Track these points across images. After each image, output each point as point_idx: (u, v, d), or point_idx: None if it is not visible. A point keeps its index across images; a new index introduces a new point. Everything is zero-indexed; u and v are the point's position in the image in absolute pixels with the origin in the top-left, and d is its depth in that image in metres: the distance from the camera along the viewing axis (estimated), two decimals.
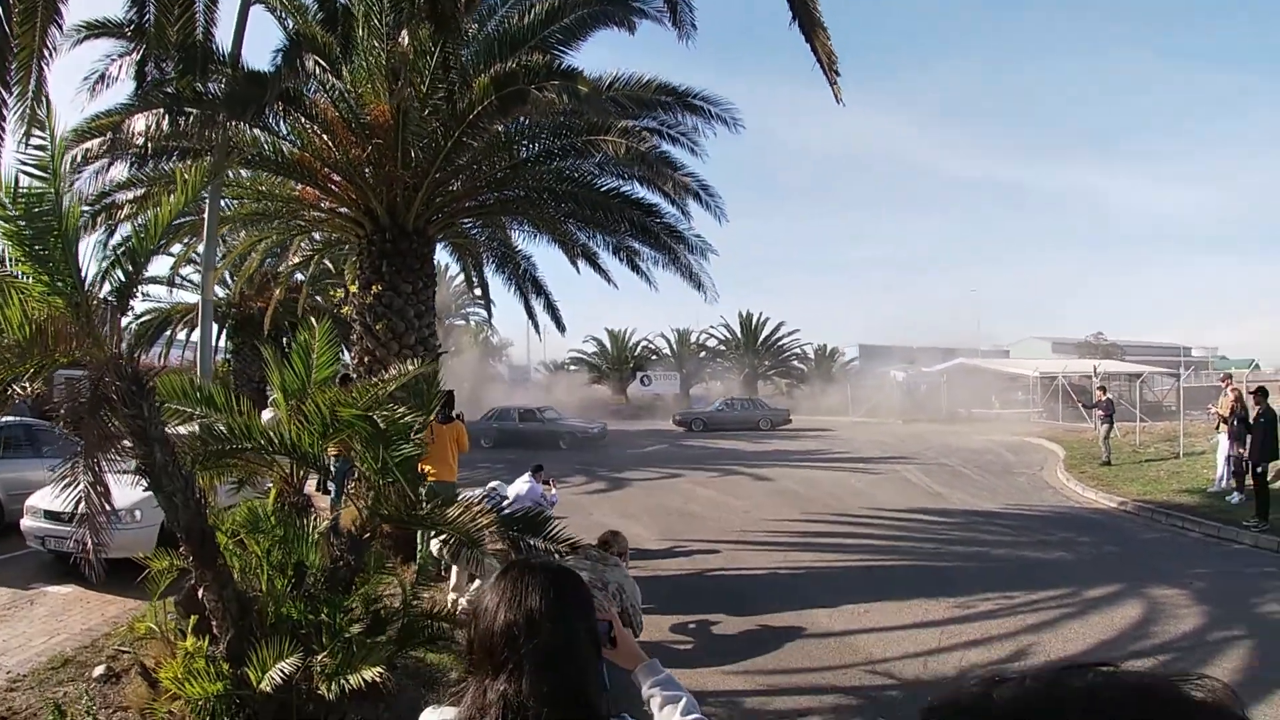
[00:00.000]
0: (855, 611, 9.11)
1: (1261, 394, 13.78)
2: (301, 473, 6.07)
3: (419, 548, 9.36)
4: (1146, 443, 22.69)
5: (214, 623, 4.93)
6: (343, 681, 4.32)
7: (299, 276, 19.72)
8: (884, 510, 15.69)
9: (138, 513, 9.12)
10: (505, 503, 9.93)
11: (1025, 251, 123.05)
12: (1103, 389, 22.37)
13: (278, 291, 19.14)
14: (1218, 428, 16.22)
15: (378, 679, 4.32)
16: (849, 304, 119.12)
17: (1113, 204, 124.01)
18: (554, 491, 12.12)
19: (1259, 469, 12.95)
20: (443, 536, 6.13)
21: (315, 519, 5.76)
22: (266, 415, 11.24)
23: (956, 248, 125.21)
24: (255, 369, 25.85)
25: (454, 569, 8.15)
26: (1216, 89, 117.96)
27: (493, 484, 11.31)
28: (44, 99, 6.45)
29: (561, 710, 1.55)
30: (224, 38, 8.32)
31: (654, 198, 11.91)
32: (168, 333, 27.14)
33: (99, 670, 6.06)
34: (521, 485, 11.50)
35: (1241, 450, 13.74)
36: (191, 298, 26.39)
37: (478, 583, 8.00)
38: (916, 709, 0.75)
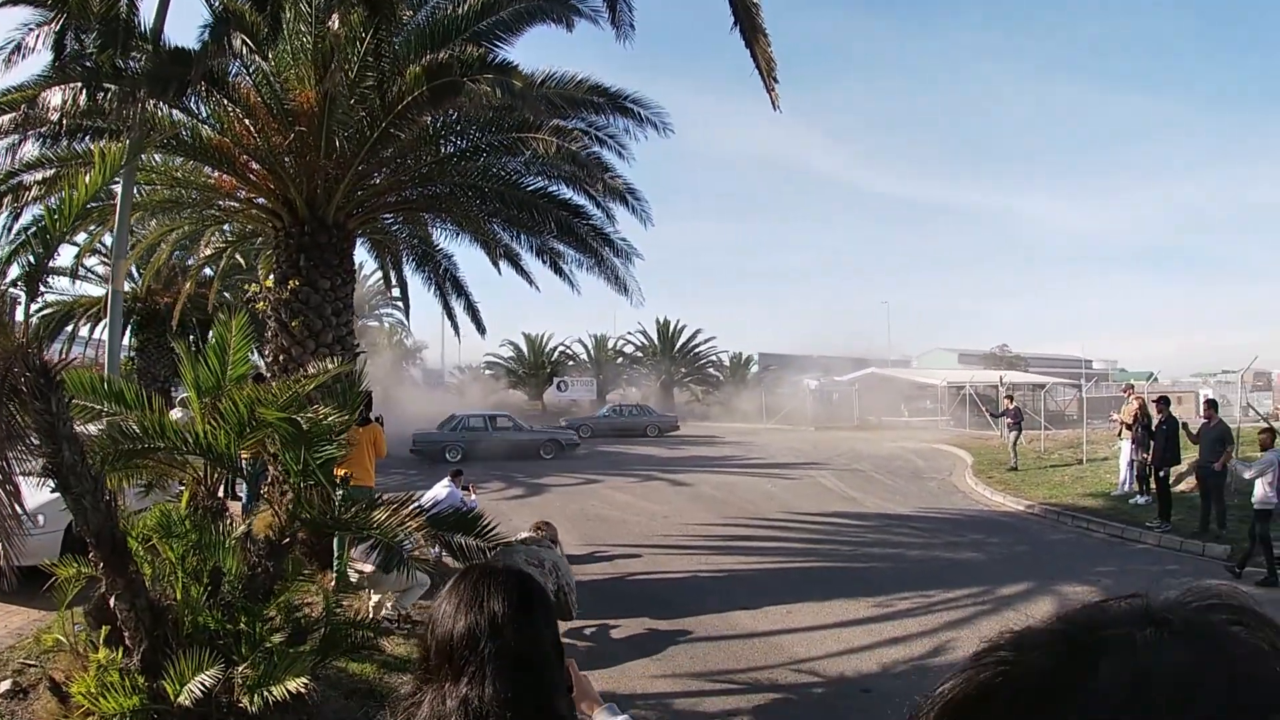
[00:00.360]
0: (778, 612, 9.18)
1: (1164, 403, 14.51)
2: (216, 475, 5.76)
3: (335, 555, 9.03)
4: (1051, 449, 23.57)
5: (126, 633, 4.62)
6: (265, 693, 4.09)
7: (208, 271, 18.81)
8: (801, 514, 15.89)
9: (40, 517, 8.53)
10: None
11: (935, 266, 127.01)
12: (1010, 397, 23.18)
13: (187, 285, 18.20)
14: (1120, 434, 16.94)
15: (302, 690, 4.11)
16: (764, 312, 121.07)
17: (1022, 222, 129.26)
18: (474, 497, 11.90)
19: (1161, 473, 13.59)
20: (369, 543, 5.88)
21: (231, 524, 5.47)
22: (175, 414, 10.72)
23: (868, 260, 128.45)
24: (161, 367, 24.62)
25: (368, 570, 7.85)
26: (1127, 116, 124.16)
27: (438, 486, 11.08)
28: None
29: (526, 716, 1.47)
30: (146, 12, 7.87)
31: (580, 199, 11.83)
32: (69, 328, 25.57)
33: (4, 686, 5.63)
34: (440, 490, 11.25)
35: (1145, 455, 14.36)
36: (95, 290, 24.85)
37: (405, 592, 7.75)
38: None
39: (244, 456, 6.94)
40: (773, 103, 7.10)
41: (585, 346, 57.37)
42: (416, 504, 8.71)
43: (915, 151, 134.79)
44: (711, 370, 55.59)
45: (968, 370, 41.25)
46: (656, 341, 55.42)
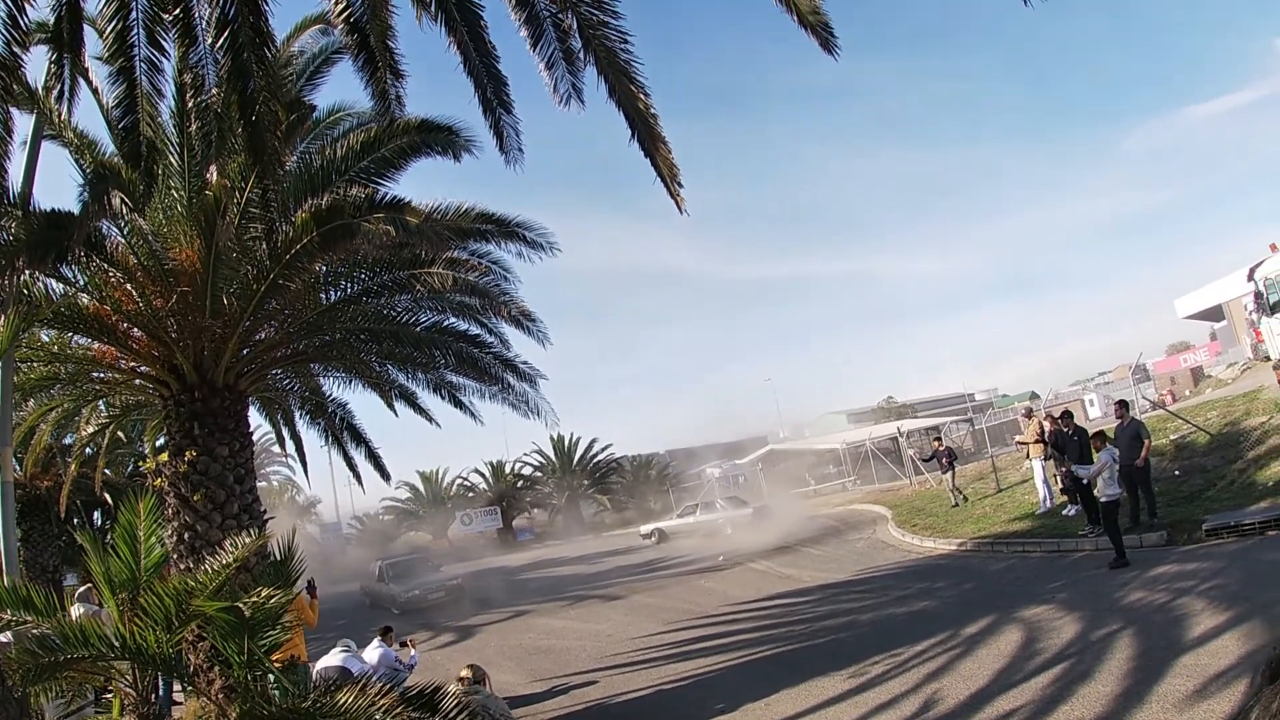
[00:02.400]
0: (757, 708, 8.80)
1: (1067, 416, 15.02)
2: (146, 679, 5.01)
3: None
4: (962, 485, 24.07)
5: None
6: None
7: (87, 450, 17.27)
8: (744, 603, 15.53)
9: None
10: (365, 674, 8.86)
11: (809, 337, 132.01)
12: (938, 439, 23.49)
13: (72, 467, 16.62)
14: (1027, 456, 17.46)
15: None
16: (652, 413, 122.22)
17: (879, 281, 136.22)
18: (414, 652, 11.06)
19: (1084, 481, 13.93)
20: None
21: None
22: (76, 611, 9.53)
23: (746, 345, 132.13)
24: (49, 556, 22.33)
25: None
26: (951, 169, 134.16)
27: (338, 653, 10.11)
28: None
29: None
30: (14, 177, 7.23)
31: (474, 329, 11.52)
32: None
33: None
34: (372, 654, 10.39)
35: (1065, 468, 14.67)
36: None
37: None
38: None
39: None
40: (678, 206, 7.10)
41: (483, 475, 55.94)
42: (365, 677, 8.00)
43: (767, 236, 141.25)
44: (614, 477, 54.91)
45: (862, 428, 42.16)
46: (554, 458, 54.53)
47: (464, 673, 6.43)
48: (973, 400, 65.77)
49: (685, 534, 30.24)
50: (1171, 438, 17.66)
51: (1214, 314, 41.35)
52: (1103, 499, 12.10)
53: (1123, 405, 14.45)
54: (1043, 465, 16.58)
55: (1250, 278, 17.94)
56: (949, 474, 21.59)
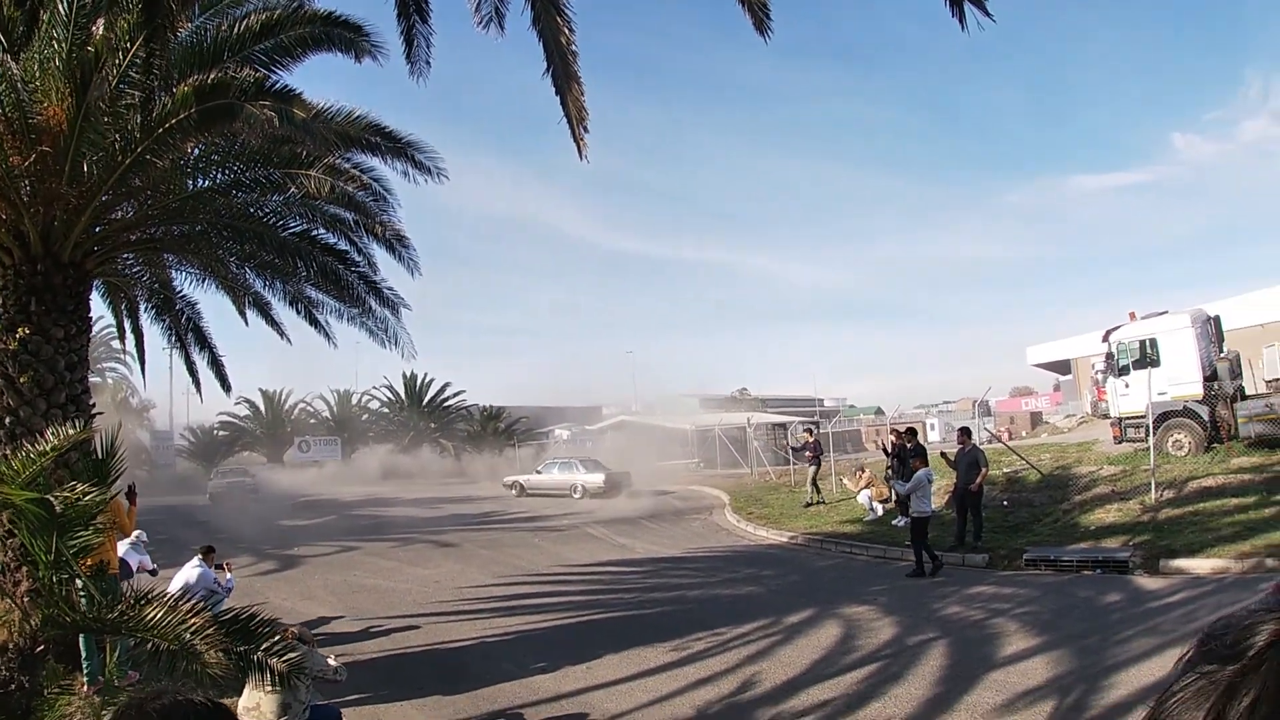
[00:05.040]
0: (578, 671, 8.85)
1: (911, 433, 15.86)
2: None
3: (84, 655, 7.52)
4: (800, 482, 24.98)
5: None
6: None
7: None
8: (576, 566, 15.65)
9: None
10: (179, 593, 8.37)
11: (672, 318, 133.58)
12: (809, 431, 23.92)
13: None
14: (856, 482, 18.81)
15: None
16: (505, 366, 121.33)
17: (747, 280, 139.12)
18: (230, 575, 10.56)
19: (901, 495, 14.73)
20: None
21: None
22: None
23: (609, 315, 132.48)
24: None
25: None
26: (843, 189, 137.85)
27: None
28: None
29: None
30: None
31: (343, 245, 10.95)
32: None
33: None
34: (191, 571, 9.86)
35: (903, 479, 15.44)
36: None
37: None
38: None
39: None
40: (579, 151, 6.96)
41: (328, 403, 54.15)
42: (179, 594, 7.54)
43: (646, 213, 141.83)
44: (461, 425, 54.24)
45: (712, 414, 43.06)
46: (404, 396, 53.38)
47: (292, 629, 6.17)
48: (821, 405, 68.34)
49: (541, 490, 30.88)
50: (1005, 470, 18.85)
51: (1061, 367, 44.76)
52: (913, 513, 12.95)
53: (965, 432, 15.31)
54: (867, 494, 18.17)
55: (1105, 339, 19.39)
56: (813, 468, 21.73)
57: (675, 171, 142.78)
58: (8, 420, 8.20)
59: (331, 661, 7.31)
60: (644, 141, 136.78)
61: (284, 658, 4.42)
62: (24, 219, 8.21)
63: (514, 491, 32.50)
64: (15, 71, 7.59)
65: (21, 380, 8.21)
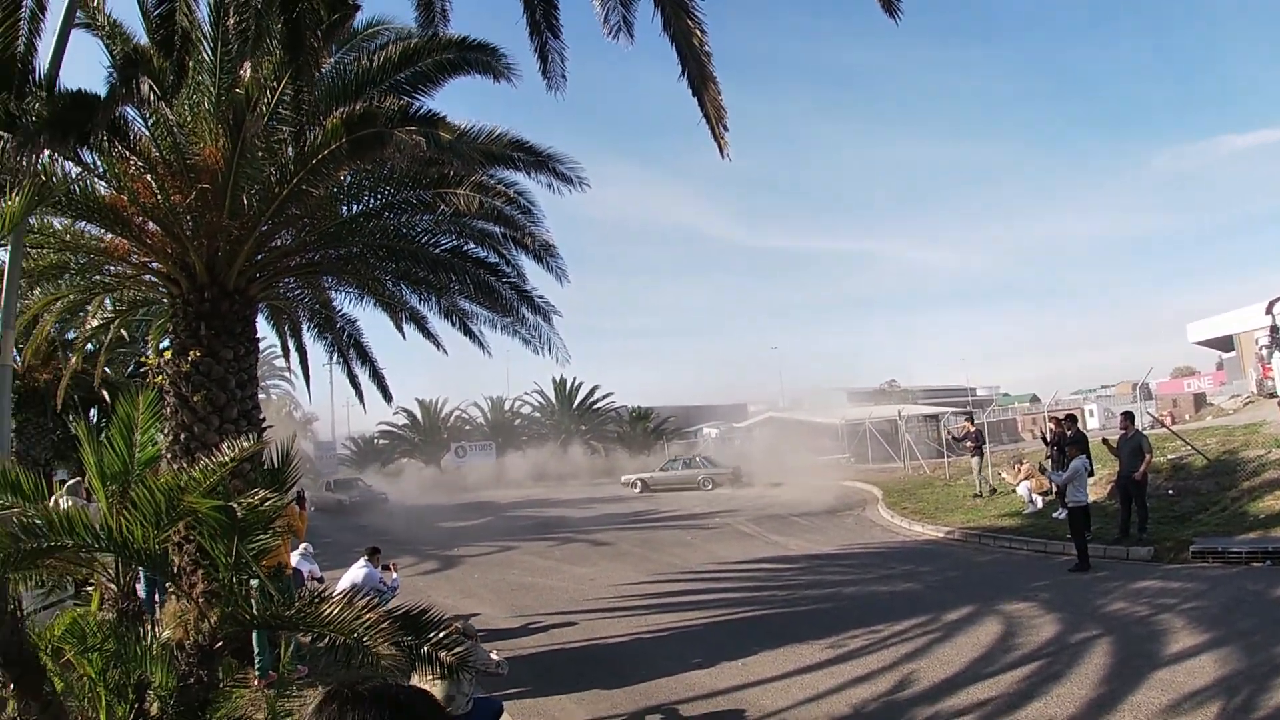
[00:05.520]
0: (734, 667, 8.81)
1: (1070, 420, 15.01)
2: (129, 573, 4.99)
3: (257, 651, 8.14)
4: (955, 475, 24.08)
5: None
6: None
7: (88, 345, 17.16)
8: (728, 563, 15.62)
9: None
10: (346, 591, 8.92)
11: (812, 312, 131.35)
12: (970, 419, 23.07)
13: (73, 361, 16.54)
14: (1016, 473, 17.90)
15: None
16: (653, 367, 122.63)
17: (886, 268, 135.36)
18: (395, 575, 11.13)
19: (1057, 486, 13.93)
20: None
21: (154, 628, 4.70)
22: (64, 503, 9.55)
23: (749, 311, 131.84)
24: (41, 449, 22.50)
25: None
26: (970, 164, 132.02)
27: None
28: None
29: None
30: (40, 58, 7.05)
31: (493, 258, 11.34)
32: None
33: None
34: (357, 572, 10.47)
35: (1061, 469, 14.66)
36: None
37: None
38: None
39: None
40: (720, 150, 6.93)
41: (481, 409, 56.27)
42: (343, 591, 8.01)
43: (778, 209, 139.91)
44: (611, 426, 55.19)
45: (861, 407, 42.03)
46: (554, 400, 54.85)
47: (457, 624, 6.43)
48: (974, 395, 65.66)
49: (664, 486, 32.96)
50: (1169, 457, 17.62)
51: (1224, 343, 41.32)
52: (1069, 503, 12.33)
53: (1128, 417, 14.37)
54: (1026, 485, 17.29)
55: (1269, 310, 17.81)
56: (976, 458, 20.90)
57: (800, 162, 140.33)
58: (183, 436, 8.94)
59: (494, 655, 7.59)
60: (766, 133, 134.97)
61: (451, 651, 4.59)
62: (189, 251, 8.92)
63: (636, 489, 34.93)
64: (170, 116, 8.24)
65: (195, 399, 8.92)
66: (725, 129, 6.83)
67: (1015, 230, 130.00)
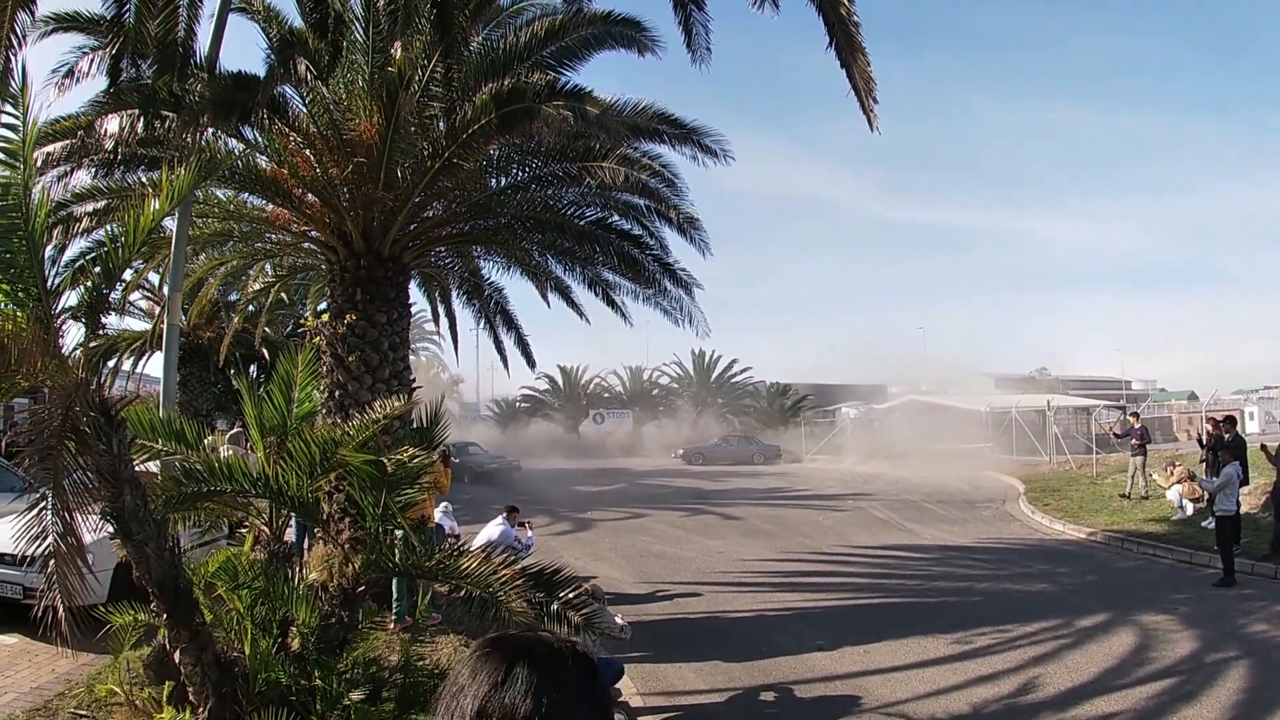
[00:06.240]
0: (855, 653, 8.80)
1: (1230, 423, 14.02)
2: (281, 518, 5.50)
3: (395, 596, 8.77)
4: (1103, 474, 22.89)
5: (191, 689, 4.33)
6: None
7: (250, 306, 18.65)
8: (858, 547, 15.45)
9: (90, 555, 8.34)
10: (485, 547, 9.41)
11: (958, 291, 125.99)
12: (1135, 415, 21.72)
13: (235, 321, 18.08)
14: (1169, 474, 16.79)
15: None
16: (790, 342, 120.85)
17: (1035, 245, 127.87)
18: (530, 534, 11.59)
19: (1209, 494, 13.05)
20: None
21: (302, 570, 5.20)
22: (224, 451, 10.51)
23: (888, 289, 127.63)
24: (204, 401, 24.80)
25: None
26: (1123, 137, 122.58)
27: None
28: (13, 77, 5.54)
29: None
30: (201, 40, 7.73)
31: (636, 230, 11.59)
32: (112, 362, 25.68)
33: None
34: (494, 529, 10.93)
35: (1214, 477, 13.78)
36: (138, 325, 25.30)
37: None
38: None
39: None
40: (870, 123, 6.86)
41: (620, 378, 57.20)
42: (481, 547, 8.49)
43: (921, 180, 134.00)
44: (748, 400, 55.05)
45: (1010, 395, 40.29)
46: (692, 372, 55.13)
47: (586, 585, 6.74)
48: (1129, 388, 61.75)
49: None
50: None
51: None
52: (1218, 512, 11.58)
53: (1229, 421, 13.31)
54: (1178, 490, 16.13)
55: None
56: (1139, 457, 19.12)
57: (943, 131, 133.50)
58: (338, 394, 9.61)
59: (619, 620, 7.90)
60: (906, 101, 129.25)
61: (580, 611, 4.86)
62: (346, 221, 9.52)
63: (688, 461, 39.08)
64: (326, 95, 8.78)
65: (350, 359, 9.57)
66: (875, 100, 6.73)
67: (1181, 207, 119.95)
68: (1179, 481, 16.28)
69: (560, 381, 54.73)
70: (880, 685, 7.77)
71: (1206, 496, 13.77)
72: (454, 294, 15.35)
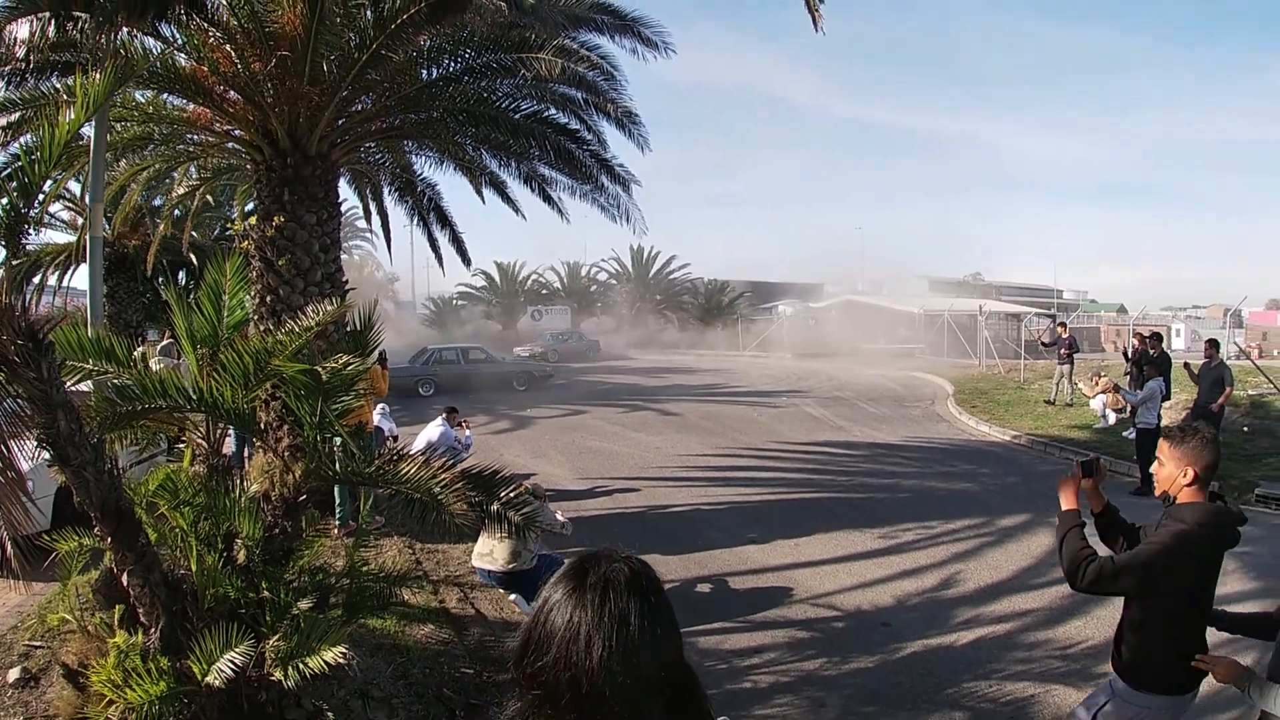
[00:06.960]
0: (786, 546, 9.16)
1: (1156, 339, 14.57)
2: (219, 431, 5.38)
3: (338, 503, 8.80)
4: (1030, 380, 23.70)
5: (141, 610, 4.28)
6: (301, 665, 3.81)
7: (176, 211, 17.84)
8: (792, 443, 15.88)
9: (29, 484, 8.08)
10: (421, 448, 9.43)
11: (901, 192, 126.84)
12: (1064, 325, 22.25)
13: (161, 227, 17.30)
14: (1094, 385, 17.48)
15: (340, 660, 3.83)
16: (730, 237, 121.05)
17: (986, 150, 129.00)
18: (468, 433, 11.64)
19: (1131, 406, 13.63)
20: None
21: (243, 482, 5.12)
22: (155, 364, 10.23)
23: (835, 187, 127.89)
24: (133, 312, 23.91)
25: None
26: (1093, 47, 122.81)
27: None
28: None
29: None
30: None
31: (574, 124, 11.25)
32: (36, 279, 24.52)
33: (14, 674, 5.18)
34: (434, 430, 10.96)
35: (1137, 390, 14.30)
36: (61, 238, 24.07)
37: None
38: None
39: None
40: (814, 22, 6.65)
41: (558, 274, 56.75)
42: (425, 450, 8.49)
43: (879, 77, 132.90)
44: (686, 298, 55.24)
45: (944, 299, 41.13)
46: (631, 269, 54.92)
47: (525, 484, 6.83)
48: (1060, 297, 63.43)
49: None
50: (1250, 392, 16.94)
51: None
52: (1139, 424, 12.00)
53: (1213, 345, 13.78)
54: (1102, 399, 16.85)
55: None
56: (1066, 366, 19.68)
57: (911, 30, 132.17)
58: (269, 299, 9.34)
59: (559, 516, 8.06)
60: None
61: (519, 510, 4.90)
62: (271, 118, 9.03)
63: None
64: None
65: (280, 263, 9.26)
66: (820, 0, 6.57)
67: (1131, 125, 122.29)
68: (1103, 391, 16.89)
69: (497, 278, 54.08)
70: (810, 577, 8.13)
71: (1129, 408, 14.38)
72: (386, 191, 14.87)
